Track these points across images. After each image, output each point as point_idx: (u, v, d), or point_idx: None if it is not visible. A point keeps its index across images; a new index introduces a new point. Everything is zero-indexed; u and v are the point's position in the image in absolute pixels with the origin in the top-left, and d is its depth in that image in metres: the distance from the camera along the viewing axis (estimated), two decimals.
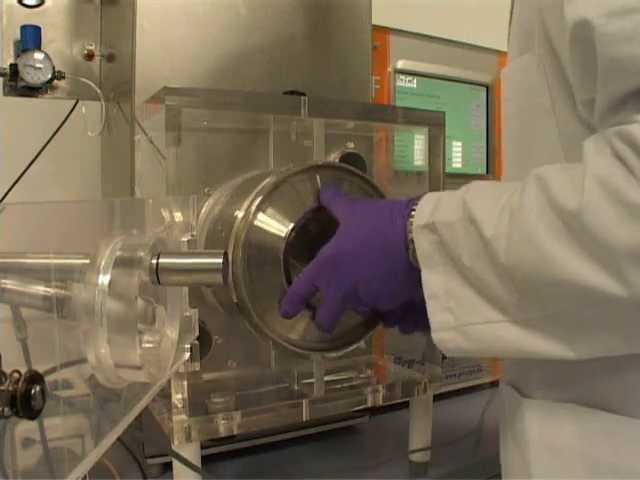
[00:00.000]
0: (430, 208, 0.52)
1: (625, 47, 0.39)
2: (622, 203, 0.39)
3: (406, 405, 0.80)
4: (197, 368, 0.61)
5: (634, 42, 0.39)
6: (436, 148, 0.78)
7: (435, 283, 0.50)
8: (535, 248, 0.43)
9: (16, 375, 0.29)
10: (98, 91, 0.94)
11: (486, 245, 0.46)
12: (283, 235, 0.64)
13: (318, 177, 0.67)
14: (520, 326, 0.46)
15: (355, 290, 0.58)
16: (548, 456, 0.50)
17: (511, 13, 0.59)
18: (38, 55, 0.89)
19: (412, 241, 0.53)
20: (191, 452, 0.62)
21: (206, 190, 0.73)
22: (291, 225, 0.64)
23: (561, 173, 0.44)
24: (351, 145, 0.83)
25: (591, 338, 0.44)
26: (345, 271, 0.57)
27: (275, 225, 0.65)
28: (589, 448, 0.48)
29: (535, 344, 0.46)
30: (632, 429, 0.46)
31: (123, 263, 0.40)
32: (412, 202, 0.55)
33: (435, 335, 0.51)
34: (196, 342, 0.59)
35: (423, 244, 0.51)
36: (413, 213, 0.54)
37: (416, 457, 0.80)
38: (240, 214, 0.64)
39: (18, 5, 0.91)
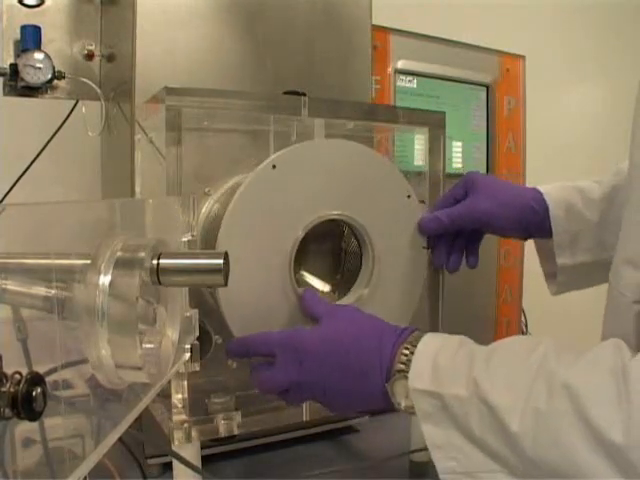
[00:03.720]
0: (428, 372, 0.51)
1: None
2: None
3: None
4: (197, 368, 0.60)
5: None
6: (436, 148, 0.78)
7: (437, 436, 0.51)
8: (568, 460, 0.42)
9: (17, 376, 0.29)
10: (98, 91, 0.94)
11: (509, 436, 0.45)
12: None
13: None
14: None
15: (313, 395, 0.58)
16: None
17: None
18: (38, 55, 0.89)
19: (393, 388, 0.53)
20: (191, 452, 0.62)
21: (206, 190, 0.73)
22: None
23: (598, 391, 0.42)
24: None
25: None
26: (311, 387, 0.57)
27: None
28: None
29: None
30: None
31: (124, 264, 0.40)
32: (397, 345, 0.54)
33: (442, 477, 0.51)
34: (196, 342, 0.59)
35: (423, 406, 0.51)
36: (401, 367, 0.53)
37: (416, 457, 0.80)
38: None
39: (18, 5, 0.91)
